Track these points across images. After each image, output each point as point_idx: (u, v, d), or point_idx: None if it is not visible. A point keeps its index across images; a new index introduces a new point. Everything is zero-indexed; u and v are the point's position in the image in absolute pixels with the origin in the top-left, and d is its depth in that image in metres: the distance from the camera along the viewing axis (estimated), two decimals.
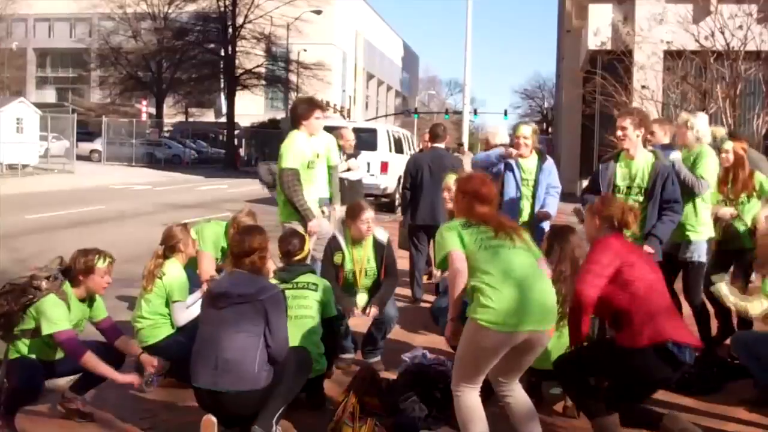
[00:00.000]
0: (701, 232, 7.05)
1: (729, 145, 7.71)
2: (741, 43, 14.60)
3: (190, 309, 6.08)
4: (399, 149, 23.36)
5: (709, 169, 7.04)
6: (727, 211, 7.45)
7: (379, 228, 6.92)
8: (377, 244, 6.83)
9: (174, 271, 6.08)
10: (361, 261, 6.77)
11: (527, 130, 7.95)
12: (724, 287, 6.14)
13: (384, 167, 21.73)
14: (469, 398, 4.45)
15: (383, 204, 22.25)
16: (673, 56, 20.15)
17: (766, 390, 6.08)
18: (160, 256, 6.18)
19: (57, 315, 5.00)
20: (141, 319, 6.03)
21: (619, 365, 4.91)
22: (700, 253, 7.04)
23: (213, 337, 4.82)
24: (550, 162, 8.02)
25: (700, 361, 6.33)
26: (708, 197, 7.13)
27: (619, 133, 6.62)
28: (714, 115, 17.12)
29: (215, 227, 6.99)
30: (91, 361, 5.01)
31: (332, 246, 6.79)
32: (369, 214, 6.69)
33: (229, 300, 4.83)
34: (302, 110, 7.65)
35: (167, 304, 6.03)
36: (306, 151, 7.54)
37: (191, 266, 6.51)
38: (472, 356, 4.39)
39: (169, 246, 6.22)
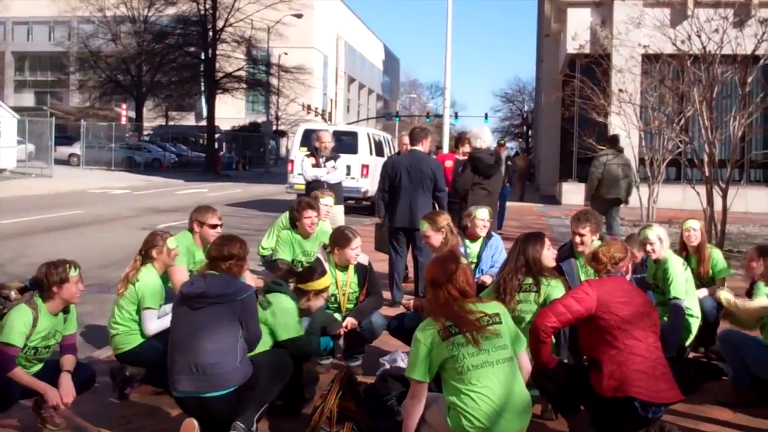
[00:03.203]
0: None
1: (696, 223, 7.82)
2: (717, 46, 14.67)
3: (162, 319, 5.93)
4: (380, 152, 23.37)
5: (680, 280, 7.04)
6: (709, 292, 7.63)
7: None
8: (359, 267, 6.87)
9: (148, 277, 5.97)
10: (345, 286, 6.80)
11: (485, 214, 7.83)
12: (726, 294, 6.42)
13: (365, 170, 21.73)
14: None
15: (364, 207, 22.24)
16: (650, 59, 20.26)
17: (743, 391, 6.16)
18: (137, 261, 6.13)
19: (12, 326, 4.94)
20: (115, 325, 5.94)
21: (589, 401, 5.05)
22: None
23: (188, 342, 4.82)
24: (495, 239, 7.92)
25: (678, 362, 6.40)
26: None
27: (577, 239, 6.85)
28: (691, 117, 17.25)
29: (183, 238, 6.83)
30: (20, 377, 4.97)
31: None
32: (357, 242, 6.74)
33: (208, 300, 4.83)
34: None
35: (139, 311, 5.94)
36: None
37: (166, 280, 6.40)
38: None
39: (145, 251, 6.16)
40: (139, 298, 5.90)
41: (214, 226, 6.86)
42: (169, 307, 5.99)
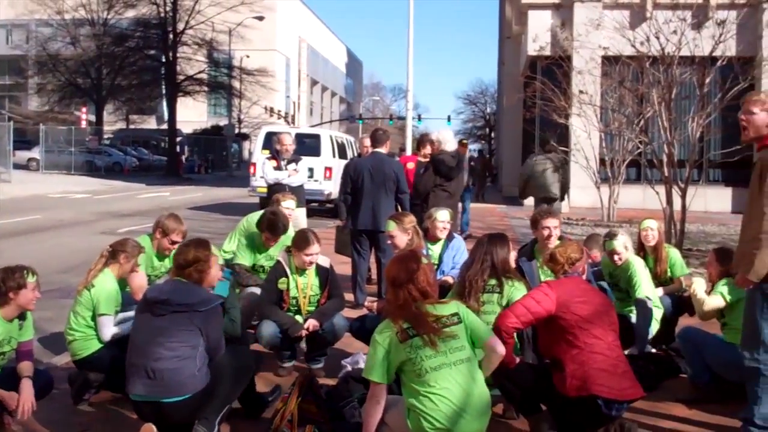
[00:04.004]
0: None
1: (653, 223, 7.94)
2: (675, 48, 14.85)
3: (119, 326, 5.83)
4: (343, 155, 23.35)
5: (645, 279, 7.23)
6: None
7: (321, 255, 6.88)
8: (320, 270, 6.83)
9: (104, 283, 5.87)
10: (305, 288, 6.76)
11: (445, 215, 7.88)
12: (700, 284, 6.40)
13: (328, 173, 21.71)
14: None
15: (328, 210, 22.19)
16: (610, 61, 20.47)
17: (702, 388, 6.24)
18: (103, 256, 6.04)
19: None
20: (72, 331, 5.84)
21: (551, 400, 5.09)
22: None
23: (147, 346, 4.79)
24: (457, 240, 7.96)
25: (638, 360, 6.46)
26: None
27: (546, 232, 7.00)
28: (651, 118, 17.42)
29: (142, 243, 6.78)
30: None
31: (277, 271, 6.77)
32: (314, 248, 6.67)
33: (169, 308, 4.80)
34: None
35: (95, 317, 5.83)
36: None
37: (123, 285, 6.32)
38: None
39: (115, 250, 6.07)
40: (94, 304, 5.80)
41: (173, 242, 6.84)
42: (127, 314, 5.93)
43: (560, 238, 7.07)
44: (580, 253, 5.43)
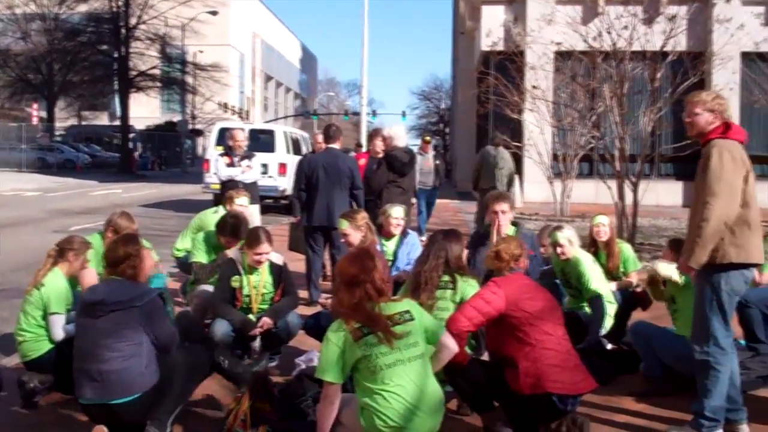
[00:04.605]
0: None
1: (604, 219, 8.02)
2: (627, 43, 14.99)
3: (71, 325, 5.69)
4: (297, 150, 23.26)
5: (595, 275, 7.28)
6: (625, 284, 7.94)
7: (274, 252, 6.86)
8: (274, 267, 6.80)
9: (54, 282, 5.80)
10: (258, 286, 6.73)
11: (400, 212, 7.95)
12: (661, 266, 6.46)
13: (282, 169, 21.62)
14: None
15: (283, 206, 22.10)
16: (563, 56, 20.63)
17: (654, 381, 6.32)
18: (50, 256, 5.97)
19: None
20: (22, 332, 5.76)
21: (505, 398, 5.11)
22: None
23: (92, 349, 4.74)
24: (412, 236, 8.03)
25: (592, 355, 6.51)
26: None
27: (493, 216, 7.14)
28: (603, 113, 17.57)
29: (93, 241, 6.71)
30: None
31: (230, 269, 6.74)
32: (265, 247, 6.64)
33: (106, 308, 4.75)
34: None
35: (46, 317, 5.76)
36: None
37: (75, 284, 6.23)
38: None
39: (62, 249, 6.00)
40: (44, 303, 5.72)
41: None
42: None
43: (515, 223, 7.13)
44: (521, 249, 5.45)
